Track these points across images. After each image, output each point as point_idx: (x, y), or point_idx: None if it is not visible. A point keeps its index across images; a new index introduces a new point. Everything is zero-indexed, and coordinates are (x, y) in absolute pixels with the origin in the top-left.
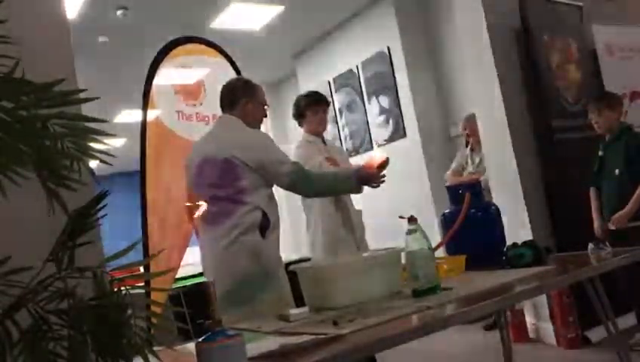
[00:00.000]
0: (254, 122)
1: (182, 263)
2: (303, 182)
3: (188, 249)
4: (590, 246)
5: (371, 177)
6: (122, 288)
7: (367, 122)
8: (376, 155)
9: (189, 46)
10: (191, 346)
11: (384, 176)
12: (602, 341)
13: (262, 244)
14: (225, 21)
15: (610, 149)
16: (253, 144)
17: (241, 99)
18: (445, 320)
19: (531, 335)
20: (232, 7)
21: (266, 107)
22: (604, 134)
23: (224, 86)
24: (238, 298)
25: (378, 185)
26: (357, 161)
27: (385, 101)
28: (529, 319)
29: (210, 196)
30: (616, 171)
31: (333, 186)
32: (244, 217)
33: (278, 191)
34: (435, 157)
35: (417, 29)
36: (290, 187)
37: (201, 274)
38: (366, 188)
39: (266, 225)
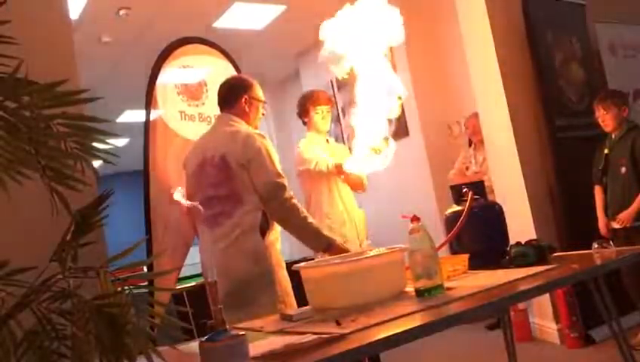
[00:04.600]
0: (253, 119)
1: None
2: (276, 201)
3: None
4: (594, 245)
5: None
6: (125, 288)
7: None
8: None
9: (191, 46)
10: (194, 346)
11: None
12: (606, 340)
13: (262, 245)
14: (227, 20)
15: (616, 147)
16: (246, 143)
17: (238, 96)
18: (448, 320)
19: (535, 334)
20: (234, 7)
21: (264, 104)
22: (610, 132)
23: (222, 84)
24: (238, 299)
25: None
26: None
27: None
28: (532, 318)
29: (210, 196)
30: (622, 169)
31: (302, 228)
32: (244, 218)
33: None
34: (437, 156)
35: (420, 26)
36: (264, 198)
37: (201, 275)
38: (367, 187)
39: (267, 226)
